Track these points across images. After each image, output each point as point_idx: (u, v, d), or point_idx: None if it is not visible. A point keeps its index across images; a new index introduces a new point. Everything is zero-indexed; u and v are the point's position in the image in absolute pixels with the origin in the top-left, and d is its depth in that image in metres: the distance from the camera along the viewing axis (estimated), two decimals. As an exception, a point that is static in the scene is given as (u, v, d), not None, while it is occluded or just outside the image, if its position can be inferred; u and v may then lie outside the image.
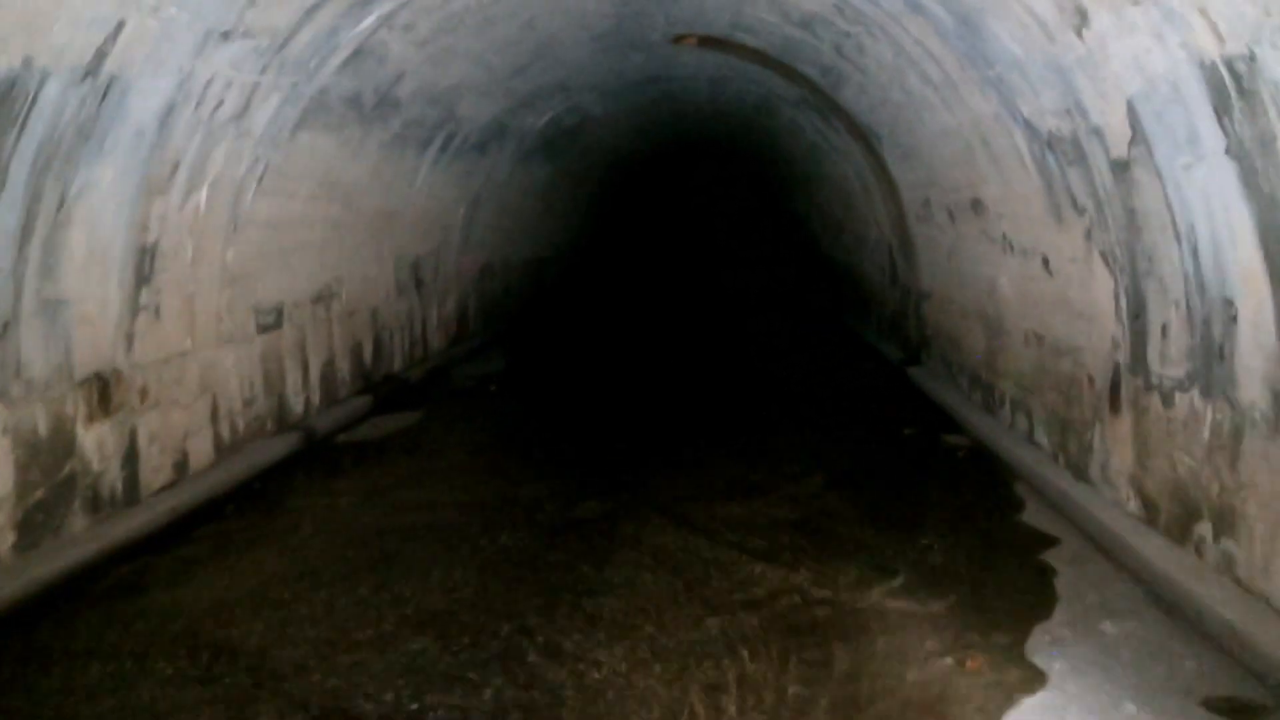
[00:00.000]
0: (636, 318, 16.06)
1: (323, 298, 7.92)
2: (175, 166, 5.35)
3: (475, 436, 7.74)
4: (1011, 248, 6.49)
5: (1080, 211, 5.10)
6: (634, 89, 13.29)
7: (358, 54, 6.63)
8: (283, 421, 7.17)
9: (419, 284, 10.44)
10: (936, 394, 8.37)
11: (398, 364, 9.78)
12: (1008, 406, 6.82)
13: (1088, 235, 5.10)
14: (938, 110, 6.85)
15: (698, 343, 12.96)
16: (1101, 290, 5.05)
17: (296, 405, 7.43)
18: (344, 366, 8.39)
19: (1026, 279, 6.29)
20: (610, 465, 6.76)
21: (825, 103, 10.07)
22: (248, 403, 6.67)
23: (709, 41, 10.30)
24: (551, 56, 9.73)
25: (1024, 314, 6.42)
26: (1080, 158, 4.86)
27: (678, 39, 10.23)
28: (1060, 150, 5.07)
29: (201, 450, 6.08)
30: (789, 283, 20.62)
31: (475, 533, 5.32)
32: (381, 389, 9.00)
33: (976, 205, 7.01)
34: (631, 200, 24.93)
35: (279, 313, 7.13)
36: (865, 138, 9.70)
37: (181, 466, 5.85)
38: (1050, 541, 4.98)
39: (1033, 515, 5.42)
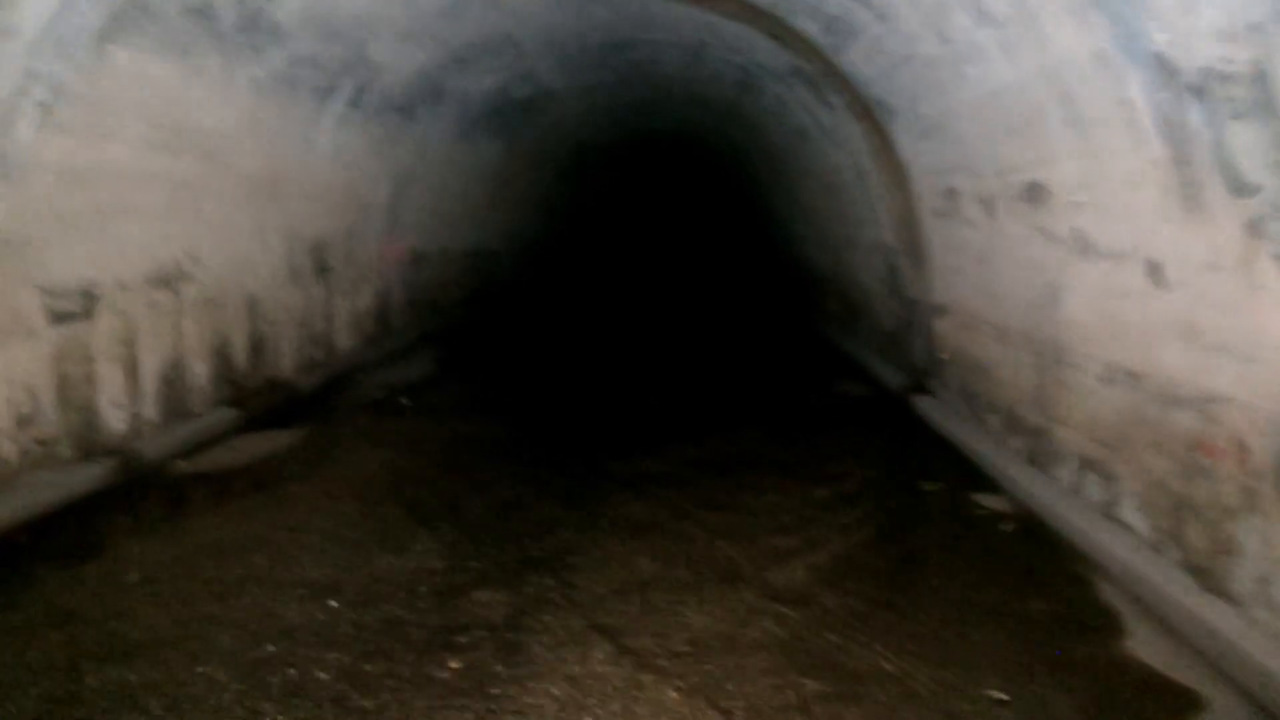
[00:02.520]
0: (592, 325, 14.22)
1: (167, 280, 6.01)
2: None
3: (360, 470, 5.87)
4: (1089, 249, 4.74)
5: (1245, 192, 3.34)
6: (599, 58, 11.47)
7: (199, -59, 4.76)
8: (90, 445, 5.26)
9: (322, 270, 8.54)
10: (956, 435, 6.62)
11: (287, 367, 7.87)
12: (1071, 464, 5.07)
13: (1253, 229, 3.35)
14: (992, 61, 5.08)
15: (656, 356, 11.14)
16: (1273, 314, 3.30)
17: (115, 422, 5.52)
18: (200, 370, 6.47)
19: (1113, 292, 4.54)
20: (520, 529, 4.92)
21: (822, 70, 8.30)
22: (23, 421, 4.76)
23: (686, -8, 8.54)
24: (492, -4, 7.89)
25: (1105, 341, 4.67)
26: (1264, 106, 3.10)
27: (649, -15, 8.47)
28: (1219, 97, 3.31)
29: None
30: (767, 289, 18.88)
31: (307, 655, 3.47)
32: (257, 400, 7.09)
33: (1034, 192, 5.25)
34: (597, 194, 23.10)
35: (89, 297, 5.22)
36: (870, 114, 7.94)
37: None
38: (1192, 702, 3.22)
39: (1146, 645, 3.65)
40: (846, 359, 10.67)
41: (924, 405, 7.58)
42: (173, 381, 6.12)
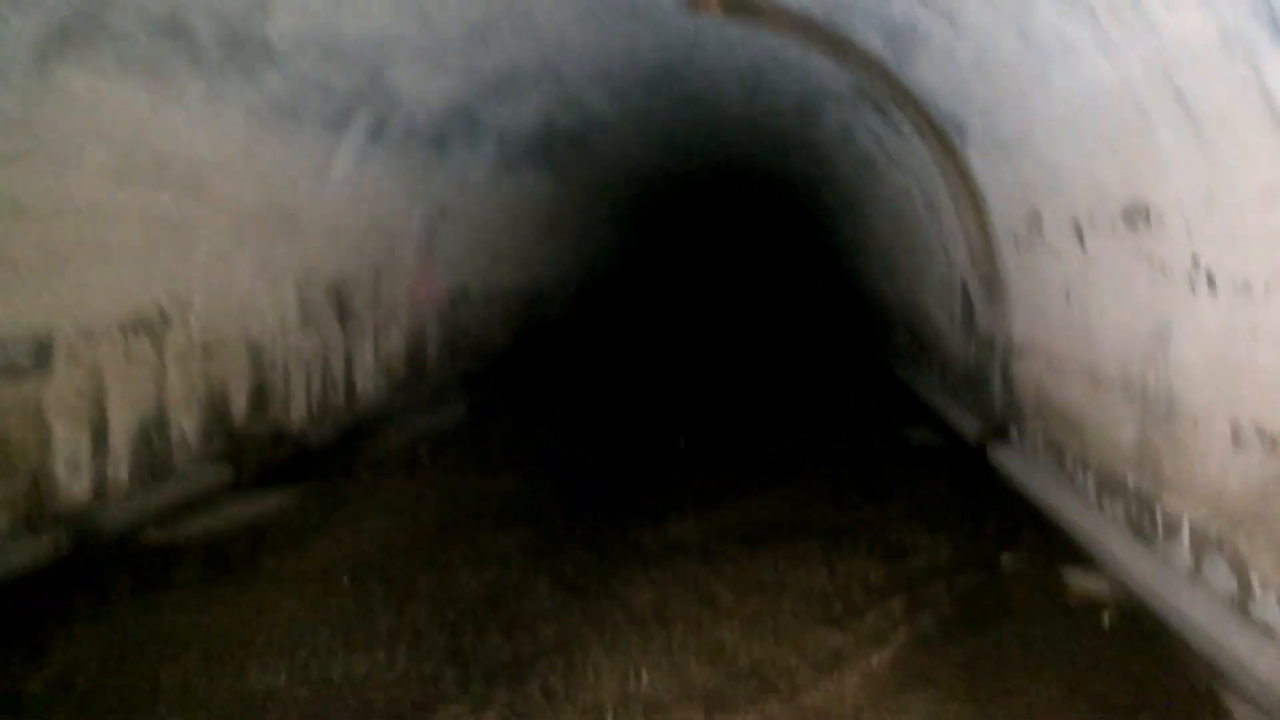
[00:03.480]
0: (644, 366, 13.46)
1: (146, 326, 5.43)
2: None
3: (353, 541, 5.17)
4: (1208, 283, 3.85)
5: None
6: (650, 86, 10.83)
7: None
8: (38, 514, 4.65)
9: (343, 311, 7.95)
10: (1041, 495, 5.68)
11: (297, 418, 7.26)
12: (1187, 541, 4.14)
13: None
14: (1084, 59, 4.24)
15: (709, 397, 10.31)
16: None
17: (73, 486, 4.92)
18: (187, 424, 5.87)
19: (1241, 335, 3.64)
20: (511, 619, 4.15)
21: (887, 88, 7.50)
22: (-49, 489, 4.17)
23: (735, 7, 7.82)
24: (523, 13, 7.26)
25: (1232, 394, 3.77)
26: None
27: (694, 4, 7.78)
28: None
29: None
30: (833, 325, 17.97)
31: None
32: (258, 455, 6.47)
33: (1136, 213, 4.37)
34: (656, 229, 22.47)
35: (41, 348, 4.64)
36: (940, 133, 7.10)
37: None
38: None
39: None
40: (916, 400, 9.74)
41: (1002, 457, 6.64)
42: (151, 438, 5.52)
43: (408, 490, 6.28)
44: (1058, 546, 5.05)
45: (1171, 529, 4.28)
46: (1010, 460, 6.51)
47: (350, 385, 8.18)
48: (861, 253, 14.16)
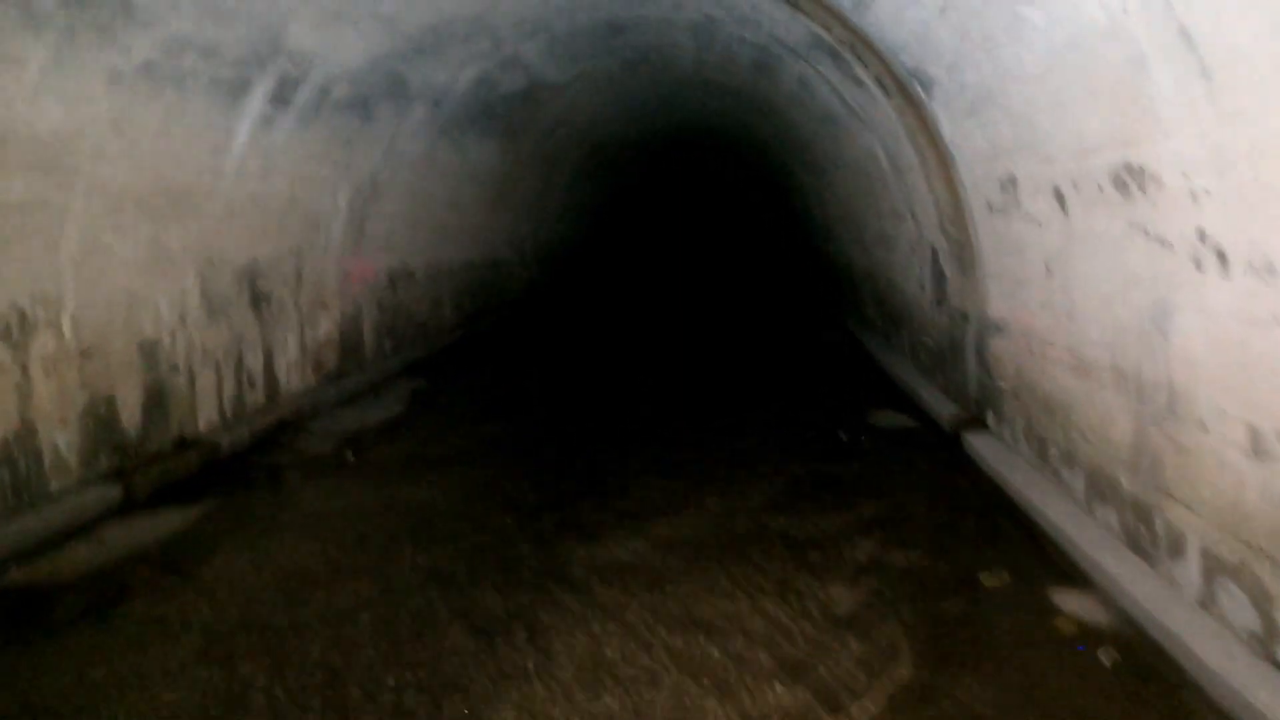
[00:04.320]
0: (605, 338, 12.84)
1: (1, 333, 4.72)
2: None
3: (244, 571, 4.52)
4: (1219, 260, 3.24)
5: None
6: (595, 42, 10.10)
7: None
8: None
9: (258, 299, 7.24)
10: (1023, 493, 5.10)
11: (205, 421, 6.57)
12: (1195, 562, 3.57)
13: None
14: (1065, -6, 3.60)
15: (669, 378, 9.69)
16: None
17: (-91, 525, 4.23)
18: (62, 439, 5.18)
19: (1262, 323, 3.04)
20: (399, 676, 3.53)
21: (847, 38, 6.84)
22: None
23: (678, -47, 7.16)
24: (439, -35, 6.54)
25: (1252, 393, 3.17)
26: None
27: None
28: None
29: None
30: (800, 292, 17.38)
31: None
32: (155, 468, 5.79)
33: (1130, 177, 3.75)
34: (617, 194, 21.72)
35: None
36: (905, 87, 6.46)
37: None
38: None
39: None
40: (885, 377, 9.16)
41: (979, 446, 6.07)
42: (15, 460, 4.83)
43: (325, 500, 5.63)
44: (1044, 559, 4.48)
45: (1176, 546, 3.70)
46: (988, 450, 5.93)
47: (271, 380, 7.48)
48: (827, 217, 13.53)
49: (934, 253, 7.74)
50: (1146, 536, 3.94)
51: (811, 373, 9.75)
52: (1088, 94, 3.87)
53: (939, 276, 7.65)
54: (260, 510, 5.46)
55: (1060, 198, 4.56)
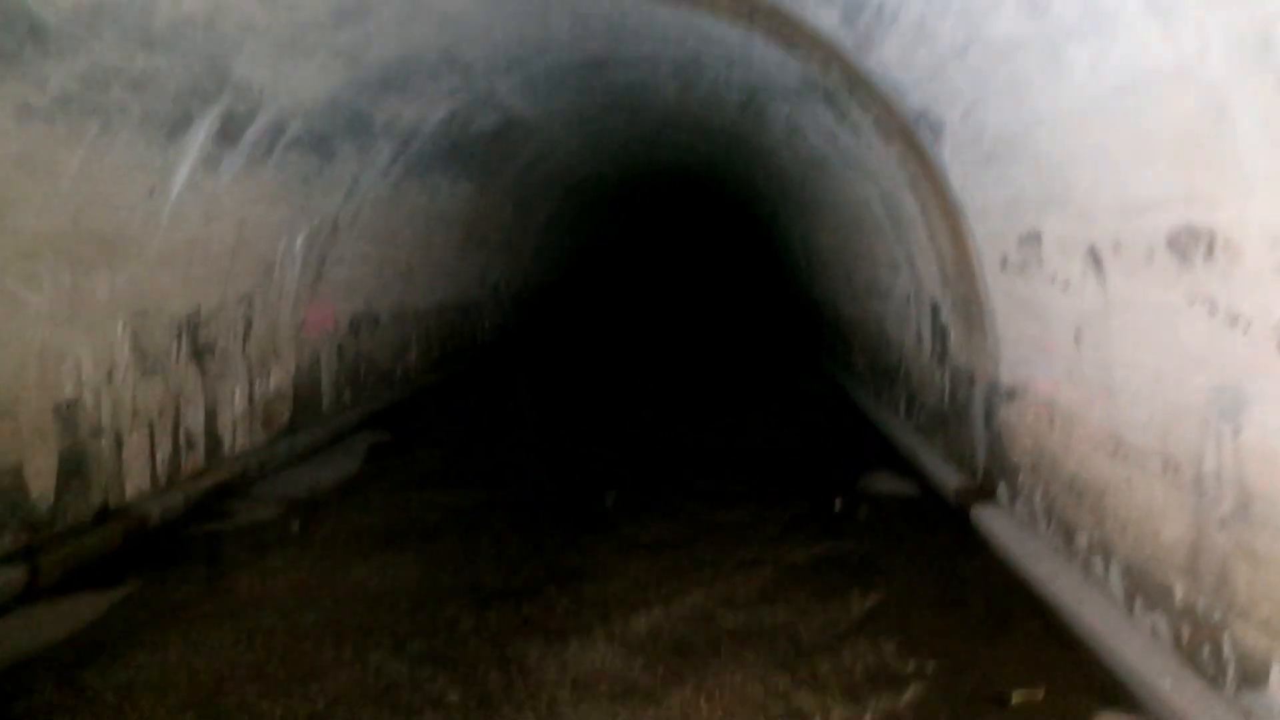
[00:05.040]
0: (580, 392, 12.24)
1: (-124, 398, 4.08)
2: None
3: (148, 685, 3.86)
4: (1315, 343, 2.70)
5: None
6: (576, 79, 9.60)
7: None
8: None
9: (200, 351, 6.61)
10: (1045, 584, 4.54)
11: (134, 489, 5.91)
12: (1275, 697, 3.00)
13: None
14: (1129, 28, 3.09)
15: (644, 435, 9.10)
16: None
17: None
18: (-46, 520, 4.52)
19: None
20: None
21: (843, 79, 6.35)
22: None
23: (663, -16, 6.69)
24: (404, -8, 6.01)
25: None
26: None
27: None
28: None
29: None
30: (787, 341, 16.89)
31: None
32: (68, 546, 5.13)
33: (1192, 242, 3.23)
34: (595, 237, 21.23)
35: None
36: (907, 132, 5.96)
37: None
38: None
39: None
40: (878, 435, 8.62)
41: (991, 523, 5.51)
42: (-108, 546, 4.17)
43: (258, 585, 4.97)
44: (1080, 669, 3.90)
45: (1253, 675, 3.13)
46: (1001, 529, 5.37)
47: (213, 440, 6.83)
48: (814, 265, 13.06)
49: (934, 307, 7.23)
50: (1210, 658, 3.37)
51: (800, 429, 9.19)
52: (1141, 145, 3.36)
53: (940, 332, 7.13)
54: (186, 596, 4.80)
55: (1096, 260, 4.04)
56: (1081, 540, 4.53)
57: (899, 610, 4.55)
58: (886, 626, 4.35)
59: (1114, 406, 4.12)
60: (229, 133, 6.01)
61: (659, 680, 3.85)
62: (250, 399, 7.39)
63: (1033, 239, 4.74)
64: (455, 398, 11.09)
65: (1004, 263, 5.29)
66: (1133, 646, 3.77)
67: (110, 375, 5.63)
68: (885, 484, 7.02)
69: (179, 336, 6.34)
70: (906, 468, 7.39)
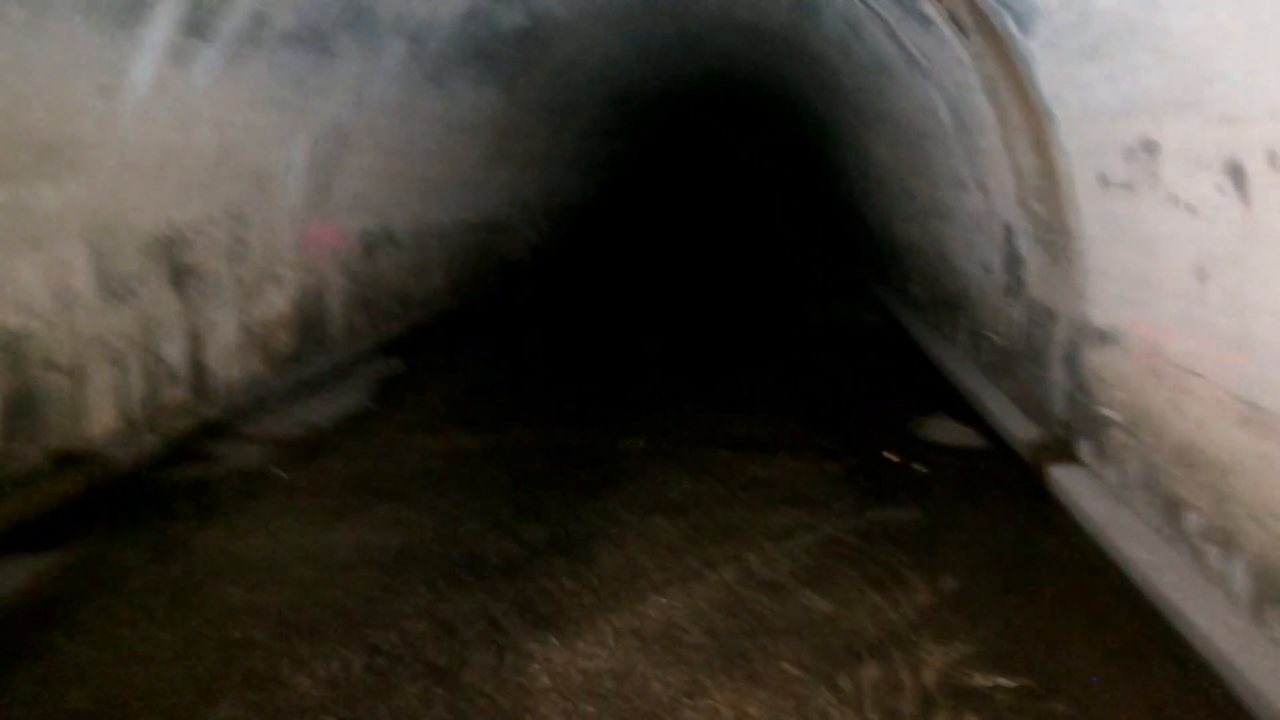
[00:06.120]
0: (616, 321, 11.48)
1: None
2: None
3: (103, 679, 3.26)
4: None
5: None
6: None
7: None
8: None
9: (180, 274, 5.94)
10: (1149, 580, 3.75)
11: (100, 429, 5.30)
12: None
13: None
14: None
15: (683, 365, 8.36)
16: None
17: None
18: None
19: None
20: None
21: (912, -39, 5.39)
22: None
23: None
24: None
25: None
26: None
27: None
28: None
29: None
30: (838, 264, 15.95)
31: None
32: (17, 496, 4.53)
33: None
34: (635, 150, 20.21)
35: None
36: (988, 24, 5.01)
37: None
38: None
39: None
40: (936, 373, 7.79)
41: (1073, 488, 4.71)
42: None
43: (226, 545, 4.35)
44: (1196, 691, 3.13)
45: None
46: (1086, 497, 4.57)
47: (200, 372, 6.20)
48: (867, 182, 12.06)
49: (1008, 230, 6.33)
50: (1385, 702, 2.59)
51: (847, 363, 8.39)
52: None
53: (1014, 260, 6.25)
54: (139, 560, 4.19)
55: (1239, 176, 3.15)
56: (1192, 522, 3.73)
57: (966, 600, 3.81)
58: (952, 623, 3.61)
59: (1249, 363, 3.28)
60: (198, 24, 5.22)
61: (674, 690, 3.15)
62: (244, 327, 6.73)
63: (1146, 150, 3.84)
64: (480, 324, 10.40)
65: (1103, 180, 4.39)
66: (1267, 670, 2.99)
67: (64, 302, 4.97)
68: (944, 431, 6.22)
69: (152, 258, 5.66)
70: (968, 412, 6.58)
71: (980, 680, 3.20)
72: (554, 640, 3.48)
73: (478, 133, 10.77)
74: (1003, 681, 3.19)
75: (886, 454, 5.72)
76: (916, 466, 5.50)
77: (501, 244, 13.04)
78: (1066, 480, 4.83)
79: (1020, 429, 5.67)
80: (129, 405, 5.52)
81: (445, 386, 7.52)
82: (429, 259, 10.35)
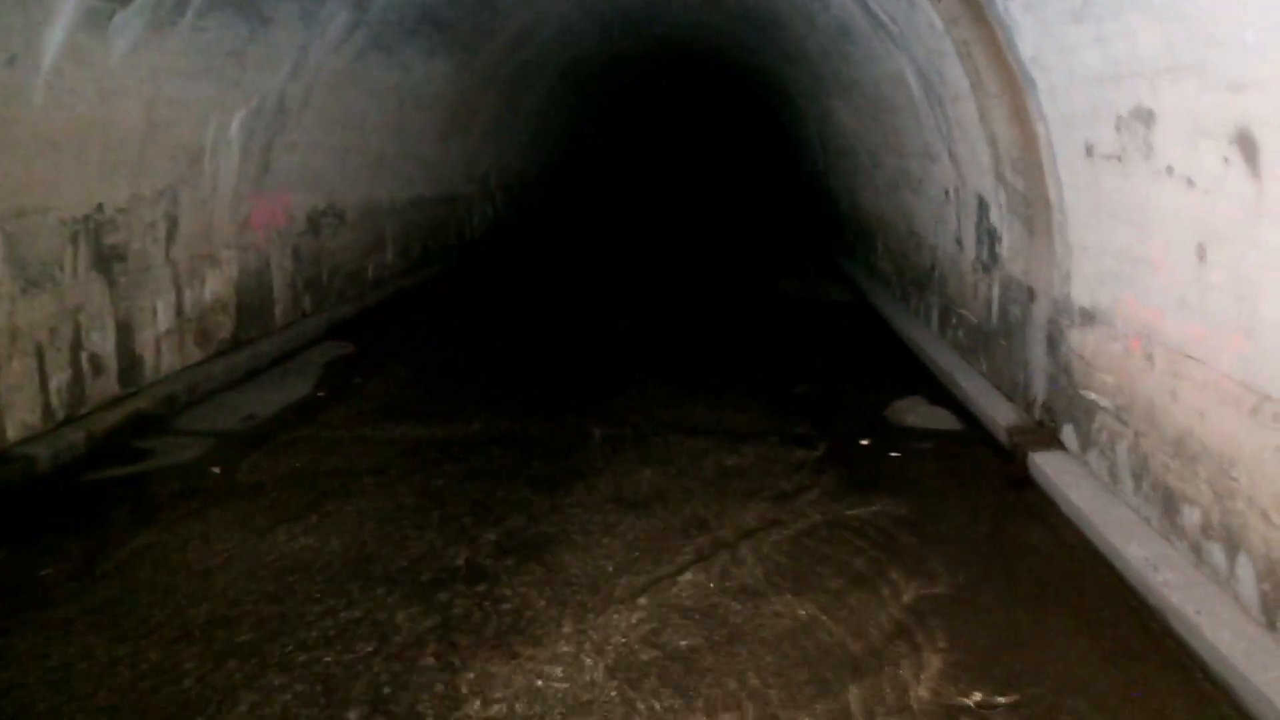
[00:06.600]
0: (573, 297, 11.16)
1: None
2: None
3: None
4: None
5: None
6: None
7: None
8: None
9: (106, 258, 5.54)
10: (1144, 577, 3.52)
11: (16, 426, 4.91)
12: None
13: None
14: None
15: (642, 343, 8.07)
16: None
17: None
18: None
19: None
20: None
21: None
22: None
23: None
24: None
25: None
26: None
27: None
28: None
29: None
30: (804, 236, 15.68)
31: None
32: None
33: None
34: (593, 121, 19.80)
35: None
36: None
37: None
38: None
39: None
40: (907, 352, 7.56)
41: (1058, 478, 4.48)
42: None
43: (148, 559, 4.00)
44: (1211, 707, 2.91)
45: None
46: (1072, 486, 4.34)
47: (130, 362, 5.81)
48: (832, 152, 11.78)
49: (981, 203, 6.08)
50: None
51: (814, 342, 8.14)
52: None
53: (988, 234, 6.00)
54: (59, 575, 3.84)
55: (1249, 147, 2.90)
56: (1191, 517, 3.50)
57: (951, 603, 3.56)
58: (937, 628, 3.37)
59: (1256, 350, 3.04)
60: (116, -12, 4.81)
61: (638, 716, 2.88)
62: (179, 312, 6.34)
63: (1139, 119, 3.58)
64: (435, 302, 10.03)
65: (1089, 150, 4.13)
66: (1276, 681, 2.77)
67: (-27, 293, 4.58)
68: (918, 414, 5.98)
69: (75, 240, 5.26)
70: (942, 394, 6.35)
71: (969, 695, 2.96)
72: (511, 660, 3.19)
73: (432, 104, 10.35)
74: (995, 698, 2.94)
75: (862, 442, 5.47)
76: (892, 454, 5.26)
77: (457, 219, 12.64)
78: (1049, 467, 4.60)
79: (999, 412, 5.45)
80: (50, 400, 5.13)
81: (399, 371, 7.18)
82: (381, 236, 9.95)
